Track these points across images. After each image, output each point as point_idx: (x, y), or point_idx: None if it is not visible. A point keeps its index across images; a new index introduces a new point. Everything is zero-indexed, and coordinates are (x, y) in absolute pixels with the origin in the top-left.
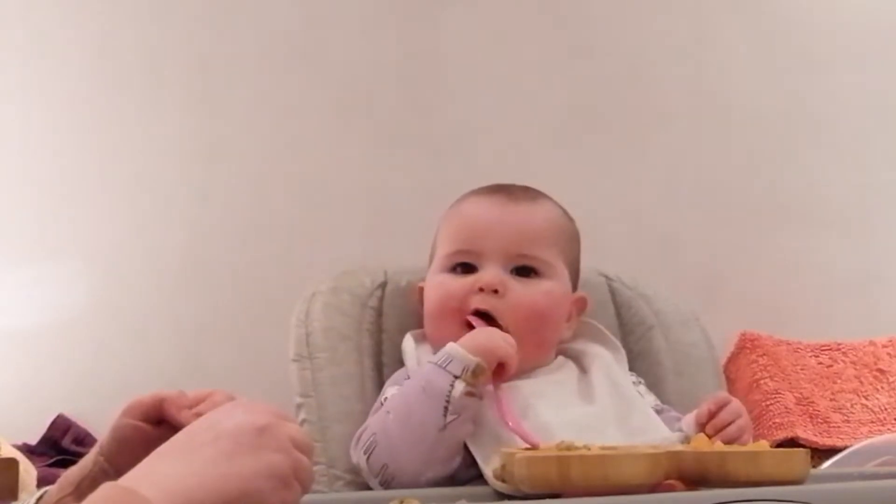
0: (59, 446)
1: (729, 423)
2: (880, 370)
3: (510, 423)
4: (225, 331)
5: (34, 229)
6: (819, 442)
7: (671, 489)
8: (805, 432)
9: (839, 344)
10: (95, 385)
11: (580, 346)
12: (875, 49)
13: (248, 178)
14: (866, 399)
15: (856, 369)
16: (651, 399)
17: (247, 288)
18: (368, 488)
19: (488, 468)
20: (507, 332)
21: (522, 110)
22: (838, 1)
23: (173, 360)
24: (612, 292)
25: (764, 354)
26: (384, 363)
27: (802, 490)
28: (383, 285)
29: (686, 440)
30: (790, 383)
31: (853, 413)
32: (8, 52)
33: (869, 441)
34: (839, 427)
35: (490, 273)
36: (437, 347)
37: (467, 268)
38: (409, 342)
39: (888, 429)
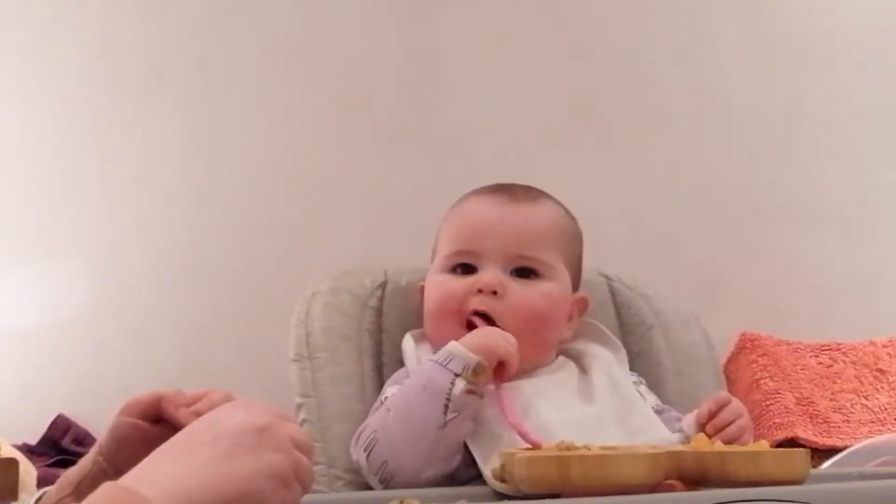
0: (59, 446)
1: (729, 423)
2: (880, 370)
3: (510, 419)
4: (225, 331)
5: (34, 229)
6: (819, 442)
7: (671, 489)
8: (805, 432)
9: (839, 344)
10: (95, 385)
11: (581, 346)
12: (875, 49)
13: (248, 178)
14: (866, 399)
15: (856, 369)
16: (652, 399)
17: (247, 288)
18: (369, 488)
19: (487, 468)
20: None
21: (522, 110)
22: (838, 1)
23: (173, 360)
24: (612, 292)
25: (764, 354)
26: (384, 363)
27: (802, 490)
28: (383, 285)
29: (686, 440)
30: (790, 383)
31: (853, 413)
32: (8, 52)
33: (869, 441)
34: (839, 427)
35: (489, 274)
36: (437, 347)
37: (467, 268)
38: (408, 342)
39: (888, 429)
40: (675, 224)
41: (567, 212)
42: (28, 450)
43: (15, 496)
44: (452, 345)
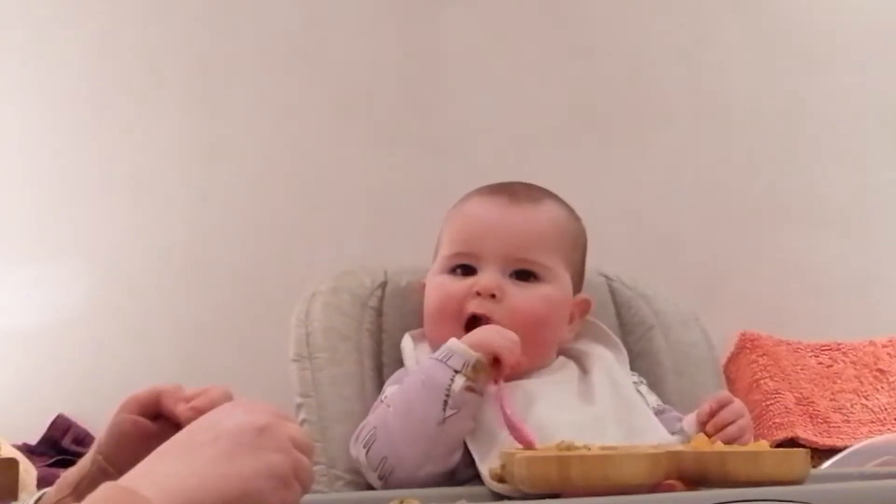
0: (59, 446)
1: (729, 423)
2: (880, 370)
3: (508, 412)
4: (225, 331)
5: (34, 229)
6: (819, 442)
7: (671, 489)
8: (805, 432)
9: (839, 344)
10: (95, 385)
11: (582, 346)
12: (875, 49)
13: (248, 178)
14: (866, 399)
15: (856, 369)
16: (653, 399)
17: (247, 288)
18: (369, 488)
19: (485, 467)
20: None
21: (522, 110)
22: (838, 1)
23: (173, 360)
24: (612, 292)
25: (764, 354)
26: (384, 363)
27: (802, 490)
28: (383, 285)
29: (687, 440)
30: (790, 383)
31: (853, 413)
32: (8, 52)
33: (869, 441)
34: (839, 427)
35: (488, 277)
36: (436, 347)
37: (467, 269)
38: (407, 342)
39: (888, 429)
40: (675, 224)
41: (570, 212)
42: (28, 450)
43: (15, 496)
44: (452, 342)
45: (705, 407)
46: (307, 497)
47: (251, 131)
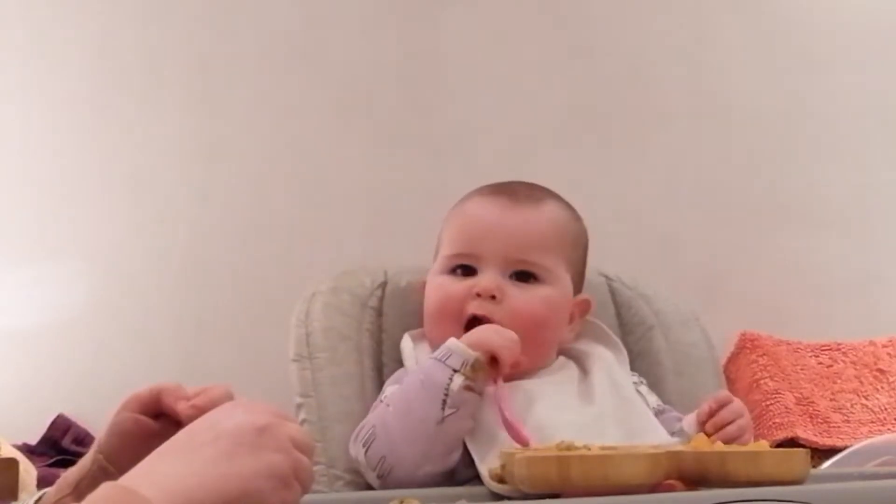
0: (59, 446)
1: (729, 423)
2: (880, 370)
3: (505, 415)
4: (225, 331)
5: (34, 229)
6: (819, 442)
7: (671, 489)
8: (805, 432)
9: (839, 344)
10: (95, 385)
11: (582, 346)
12: (875, 49)
13: (248, 178)
14: (866, 399)
15: (856, 369)
16: (653, 399)
17: (247, 288)
18: (369, 488)
19: (484, 467)
20: None
21: (522, 110)
22: (838, 1)
23: (173, 359)
24: (612, 292)
25: (764, 354)
26: (384, 363)
27: (802, 490)
28: (383, 285)
29: (687, 440)
30: (790, 383)
31: (853, 413)
32: (8, 52)
33: (869, 441)
34: (839, 427)
35: (487, 278)
36: (435, 347)
37: (467, 270)
38: (406, 342)
39: (888, 429)
40: (675, 224)
41: (571, 212)
42: (28, 450)
43: (15, 496)
44: (451, 341)
45: (705, 407)
46: (307, 497)
47: (251, 131)
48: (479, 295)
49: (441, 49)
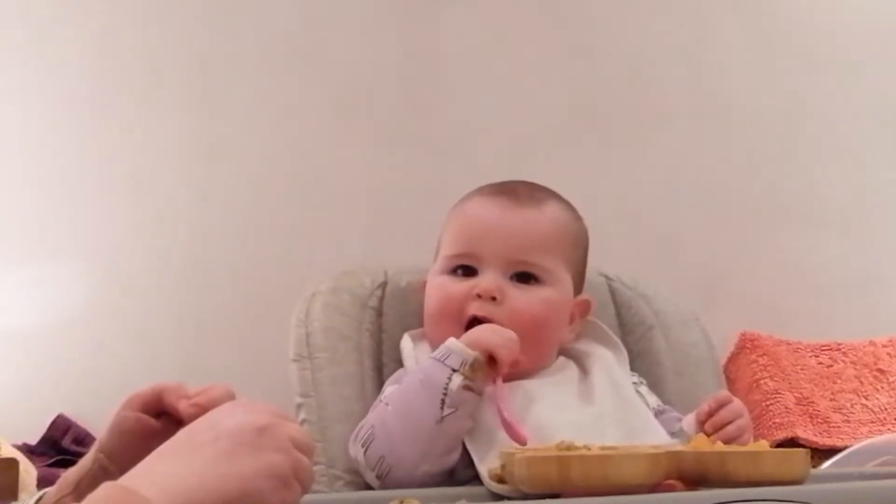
0: (59, 446)
1: (728, 422)
2: (880, 370)
3: (504, 414)
4: (225, 331)
5: (34, 229)
6: (819, 442)
7: (671, 489)
8: (805, 432)
9: (839, 344)
10: (95, 385)
11: (583, 346)
12: (875, 49)
13: (248, 178)
14: (866, 399)
15: (856, 369)
16: (653, 400)
17: (247, 288)
18: (369, 488)
19: (484, 467)
20: None
21: (522, 110)
22: (838, 1)
23: (173, 359)
24: (612, 292)
25: (764, 354)
26: (384, 363)
27: (802, 490)
28: (383, 285)
29: (686, 440)
30: (790, 383)
31: (853, 413)
32: (8, 52)
33: (869, 441)
34: (839, 427)
35: (488, 279)
36: (436, 347)
37: (468, 270)
38: (406, 342)
39: (888, 429)
40: (675, 224)
41: (572, 213)
42: (28, 450)
43: (15, 496)
44: (451, 341)
45: (704, 406)
46: (307, 497)
47: (251, 131)
48: (479, 296)
49: (441, 49)
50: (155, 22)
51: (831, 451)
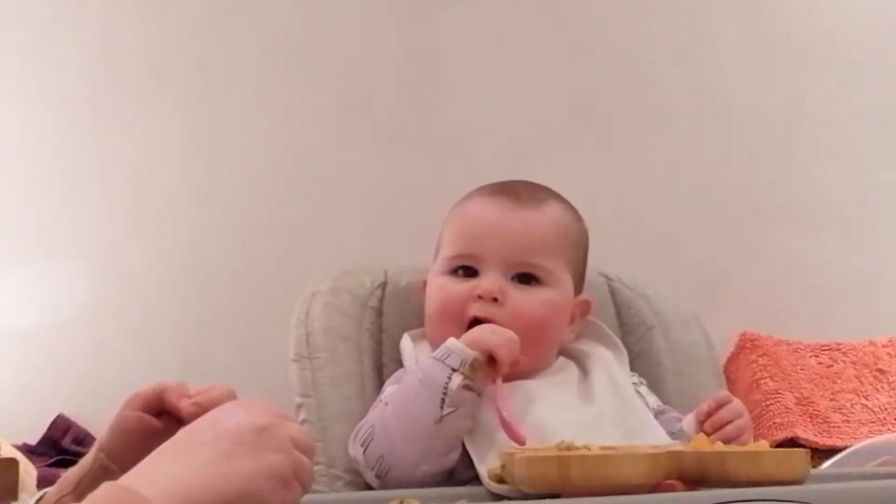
0: (59, 446)
1: (728, 422)
2: (880, 370)
3: (504, 414)
4: (225, 331)
5: (34, 229)
6: (819, 442)
7: (671, 489)
8: (805, 432)
9: (839, 344)
10: (95, 385)
11: (582, 346)
12: (875, 49)
13: (248, 178)
14: (866, 399)
15: (856, 369)
16: (653, 400)
17: (247, 288)
18: (369, 488)
19: (483, 468)
20: None
21: (522, 110)
22: (838, 1)
23: (173, 359)
24: (612, 292)
25: (764, 354)
26: (384, 363)
27: (802, 490)
28: (383, 285)
29: (686, 440)
30: (790, 383)
31: (853, 413)
32: (8, 52)
33: (869, 441)
34: (839, 427)
35: (489, 280)
36: (436, 347)
37: (469, 271)
38: (406, 342)
39: (888, 429)
40: (675, 224)
41: (573, 213)
42: (28, 450)
43: (15, 496)
44: (451, 341)
45: (703, 406)
46: (307, 497)
47: (251, 131)
48: (480, 297)
49: (441, 49)
50: (155, 22)
51: (831, 451)
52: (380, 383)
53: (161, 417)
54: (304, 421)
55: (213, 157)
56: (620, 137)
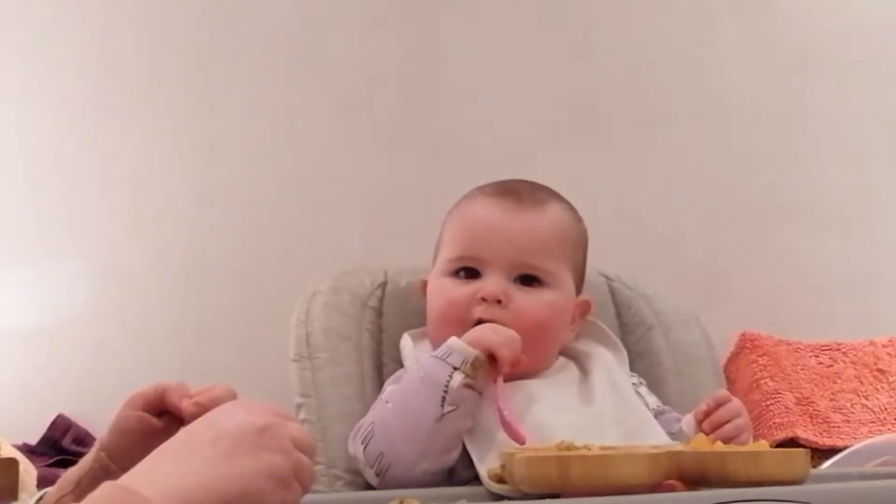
0: (59, 446)
1: (726, 421)
2: (880, 370)
3: (504, 413)
4: (225, 331)
5: (34, 229)
6: (819, 442)
7: (671, 489)
8: (805, 432)
9: (839, 344)
10: (95, 385)
11: (582, 346)
12: (875, 49)
13: (248, 178)
14: (866, 399)
15: (856, 369)
16: (653, 400)
17: (247, 288)
18: (369, 488)
19: (483, 467)
20: None
21: (522, 110)
22: (838, 1)
23: (173, 359)
24: (612, 292)
25: (764, 354)
26: (384, 363)
27: (802, 490)
28: (383, 285)
29: (686, 440)
30: (790, 383)
31: (853, 413)
32: (8, 52)
33: (869, 441)
34: (839, 427)
35: (492, 282)
36: (437, 347)
37: (470, 272)
38: (406, 342)
39: (888, 429)
40: (675, 224)
41: (574, 213)
42: (28, 450)
43: (15, 496)
44: (452, 340)
45: (702, 406)
46: (307, 497)
47: (251, 131)
48: (484, 299)
49: (441, 49)
50: (155, 22)
51: (831, 451)
52: (380, 383)
53: (162, 417)
54: (304, 421)
55: (213, 157)
56: (620, 137)
